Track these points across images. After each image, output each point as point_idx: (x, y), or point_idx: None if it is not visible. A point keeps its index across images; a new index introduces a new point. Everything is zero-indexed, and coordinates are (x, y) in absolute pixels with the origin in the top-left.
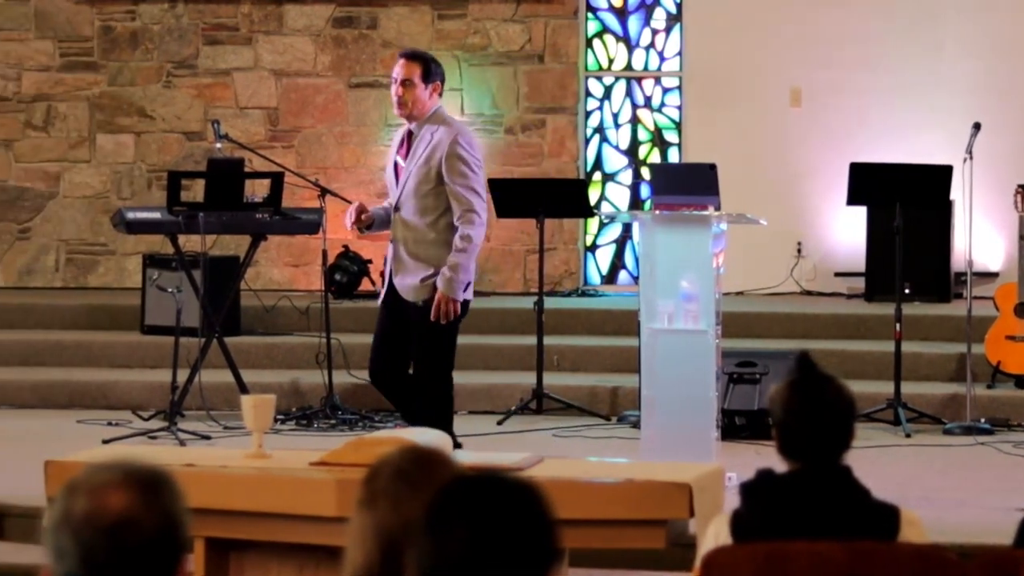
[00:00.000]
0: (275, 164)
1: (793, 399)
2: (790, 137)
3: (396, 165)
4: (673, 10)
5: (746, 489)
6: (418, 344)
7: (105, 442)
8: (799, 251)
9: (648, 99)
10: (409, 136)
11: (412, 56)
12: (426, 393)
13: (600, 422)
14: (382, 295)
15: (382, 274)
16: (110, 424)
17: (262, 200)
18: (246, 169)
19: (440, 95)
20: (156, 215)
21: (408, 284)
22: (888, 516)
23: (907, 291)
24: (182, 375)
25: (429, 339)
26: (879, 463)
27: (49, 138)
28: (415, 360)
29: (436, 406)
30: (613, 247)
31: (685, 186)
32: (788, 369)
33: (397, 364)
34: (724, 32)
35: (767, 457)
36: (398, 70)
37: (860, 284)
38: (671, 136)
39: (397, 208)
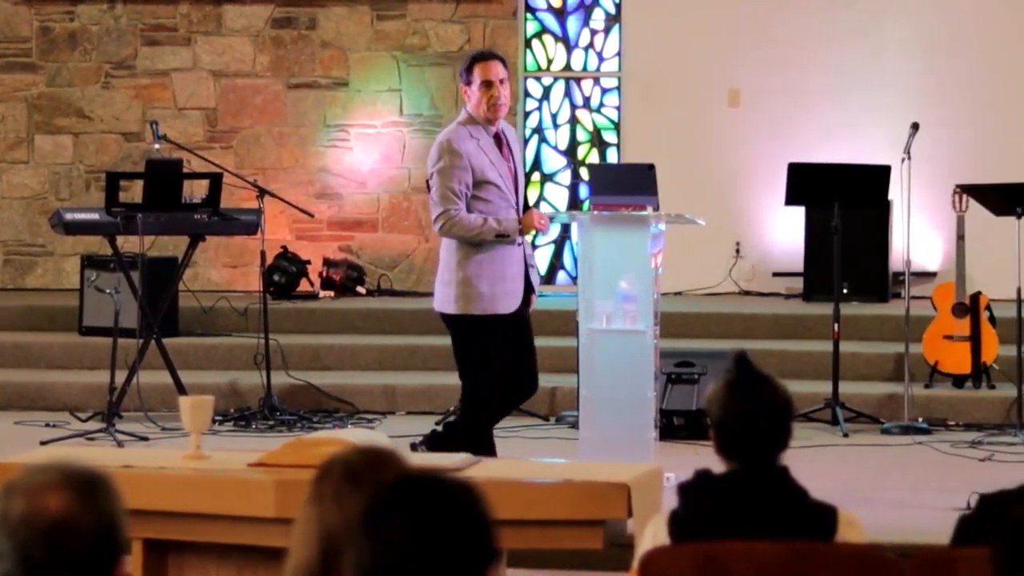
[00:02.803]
0: (213, 165)
1: (730, 399)
2: (728, 137)
3: (509, 169)
4: (612, 11)
5: (684, 489)
6: (532, 345)
7: (43, 443)
8: (737, 251)
9: (587, 99)
10: (497, 138)
11: (497, 56)
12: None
13: (538, 422)
14: (512, 308)
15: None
16: (48, 425)
17: (200, 201)
18: (184, 170)
19: None
20: (94, 216)
21: (535, 286)
22: (826, 516)
23: (845, 291)
24: (120, 376)
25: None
26: (817, 463)
27: None
28: (534, 362)
29: None
30: (552, 247)
31: (624, 186)
32: (726, 369)
33: None
34: (663, 33)
35: (705, 457)
36: (494, 72)
37: (798, 284)
38: (610, 136)
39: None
